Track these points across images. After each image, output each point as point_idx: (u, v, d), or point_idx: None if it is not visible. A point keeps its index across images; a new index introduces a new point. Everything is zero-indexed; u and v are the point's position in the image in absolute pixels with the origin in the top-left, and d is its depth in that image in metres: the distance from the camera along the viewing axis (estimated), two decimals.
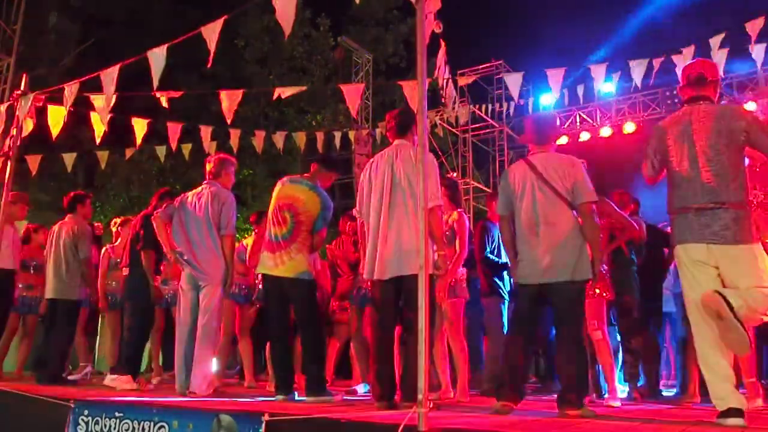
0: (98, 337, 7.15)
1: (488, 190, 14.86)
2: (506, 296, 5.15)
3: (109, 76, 4.27)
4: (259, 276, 5.93)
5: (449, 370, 4.63)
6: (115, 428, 3.02)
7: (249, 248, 5.78)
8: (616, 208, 4.45)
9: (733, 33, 5.36)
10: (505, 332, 4.74)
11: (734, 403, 2.82)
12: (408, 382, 3.34)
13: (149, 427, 2.92)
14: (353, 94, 5.28)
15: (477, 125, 15.00)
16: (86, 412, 3.13)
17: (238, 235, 8.70)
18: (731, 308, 2.73)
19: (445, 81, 5.25)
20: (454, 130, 14.36)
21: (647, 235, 4.97)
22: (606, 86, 7.60)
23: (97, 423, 3.08)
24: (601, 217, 4.29)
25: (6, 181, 4.65)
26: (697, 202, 2.99)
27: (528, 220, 3.46)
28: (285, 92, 5.51)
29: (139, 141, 5.78)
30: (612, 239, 4.57)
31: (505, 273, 5.12)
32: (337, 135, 8.28)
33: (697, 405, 4.42)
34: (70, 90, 4.58)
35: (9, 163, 4.69)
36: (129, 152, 7.43)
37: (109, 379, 4.68)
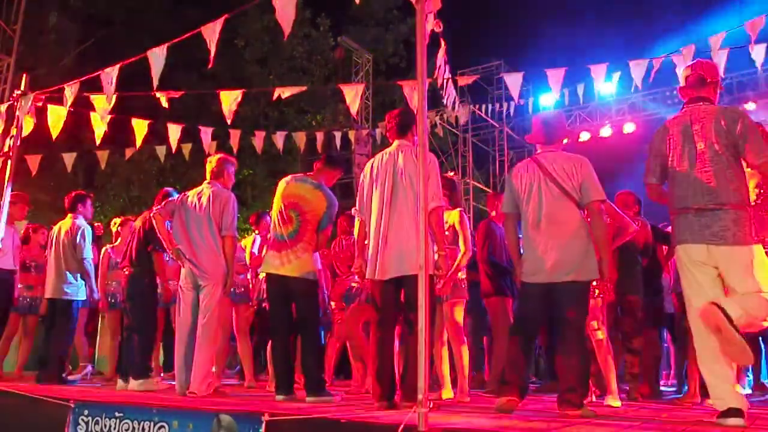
0: (98, 337, 7.15)
1: (488, 190, 14.87)
2: (512, 295, 5.15)
3: (109, 76, 4.28)
4: (257, 276, 5.98)
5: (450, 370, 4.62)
6: (115, 428, 3.02)
7: (248, 248, 5.78)
8: (616, 208, 4.44)
9: (733, 33, 5.35)
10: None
11: (734, 403, 2.82)
12: (408, 382, 3.34)
13: (149, 427, 2.93)
14: (353, 94, 5.28)
15: (477, 125, 15.01)
16: (86, 412, 3.13)
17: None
18: (730, 320, 2.72)
19: (445, 81, 5.25)
20: (454, 130, 14.36)
21: (651, 233, 4.98)
22: (606, 87, 7.60)
23: (97, 423, 3.08)
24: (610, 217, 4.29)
25: (6, 181, 4.65)
26: (697, 203, 3.00)
27: (534, 218, 3.45)
28: (285, 92, 5.51)
29: (139, 141, 5.78)
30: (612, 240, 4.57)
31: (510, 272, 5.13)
32: (337, 135, 8.29)
33: (697, 405, 4.42)
34: (70, 90, 4.58)
35: (9, 163, 4.69)
36: (129, 152, 7.43)
37: (137, 384, 4.64)
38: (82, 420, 3.13)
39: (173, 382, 4.52)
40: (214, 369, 4.65)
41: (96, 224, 6.92)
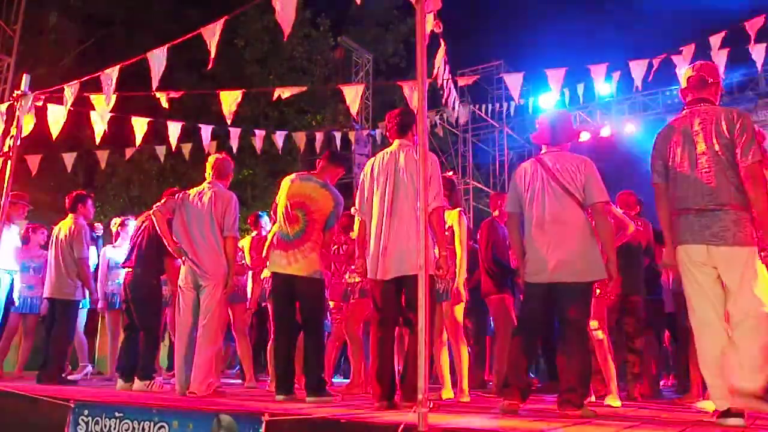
0: (98, 337, 7.15)
1: (488, 190, 14.88)
2: (513, 293, 5.15)
3: (109, 76, 4.28)
4: (258, 276, 5.97)
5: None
6: (115, 428, 3.02)
7: (246, 249, 5.77)
8: (615, 208, 4.45)
9: (733, 33, 5.35)
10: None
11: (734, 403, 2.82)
12: (408, 382, 3.34)
13: (149, 427, 2.92)
14: (353, 94, 5.28)
15: (477, 125, 15.02)
16: (86, 412, 3.13)
17: None
18: (757, 396, 2.72)
19: (445, 81, 5.25)
20: (454, 130, 14.37)
21: (646, 235, 4.98)
22: (604, 88, 7.60)
23: (97, 423, 3.08)
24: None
25: (6, 181, 4.64)
26: (698, 204, 3.00)
27: (537, 218, 3.45)
28: (285, 92, 5.51)
29: (139, 141, 5.78)
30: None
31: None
32: (337, 135, 8.29)
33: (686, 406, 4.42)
34: (70, 90, 4.58)
35: (9, 163, 4.69)
36: (129, 152, 7.43)
37: (142, 385, 4.63)
38: (82, 420, 3.12)
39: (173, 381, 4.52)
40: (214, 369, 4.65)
41: (96, 224, 6.91)
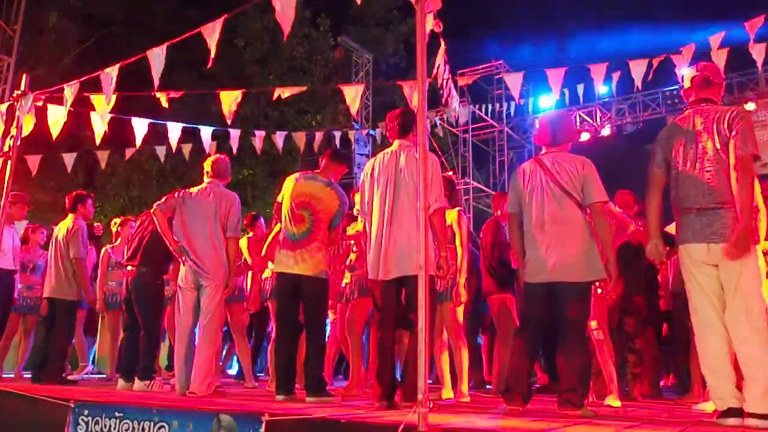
0: (98, 337, 7.15)
1: (488, 190, 14.88)
2: (514, 293, 5.15)
3: (109, 76, 4.27)
4: (258, 276, 5.96)
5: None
6: (115, 428, 3.02)
7: (244, 249, 5.77)
8: (614, 207, 4.44)
9: (733, 33, 5.35)
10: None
11: (734, 403, 2.82)
12: (408, 382, 3.34)
13: (149, 427, 2.92)
14: (353, 94, 5.28)
15: (477, 125, 15.03)
16: (86, 412, 3.13)
17: None
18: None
19: (444, 81, 5.25)
20: (454, 130, 14.38)
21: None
22: (604, 88, 7.62)
23: (97, 423, 3.08)
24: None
25: (6, 181, 4.64)
26: (699, 203, 3.00)
27: (536, 218, 3.46)
28: (285, 92, 5.51)
29: (139, 141, 5.77)
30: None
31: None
32: (337, 135, 8.29)
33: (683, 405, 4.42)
34: (70, 90, 4.58)
35: (9, 163, 4.69)
36: (129, 152, 7.44)
37: (142, 385, 4.62)
38: (82, 420, 3.12)
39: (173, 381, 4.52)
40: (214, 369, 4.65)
41: (96, 224, 6.91)
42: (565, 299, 3.34)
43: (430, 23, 3.66)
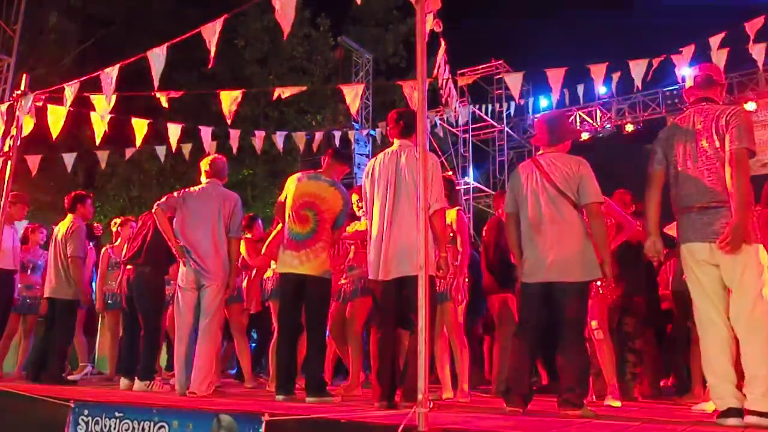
0: (98, 337, 7.15)
1: (488, 190, 14.89)
2: (514, 292, 5.15)
3: (109, 76, 4.27)
4: (260, 277, 5.95)
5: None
6: (115, 428, 3.02)
7: (243, 249, 5.76)
8: (615, 206, 4.44)
9: (733, 33, 5.35)
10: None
11: (734, 403, 2.82)
12: (408, 382, 3.34)
13: (149, 427, 2.92)
14: (353, 94, 5.28)
15: (477, 125, 15.03)
16: (86, 412, 3.13)
17: None
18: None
19: (444, 81, 5.25)
20: (454, 130, 14.38)
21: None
22: (605, 87, 7.61)
23: (97, 423, 3.08)
24: (606, 216, 4.29)
25: (6, 181, 4.64)
26: (700, 202, 3.01)
27: (533, 218, 3.47)
28: (285, 92, 5.51)
29: (139, 141, 5.77)
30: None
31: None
32: (337, 135, 8.29)
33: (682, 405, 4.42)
34: (70, 90, 4.58)
35: (9, 163, 4.69)
36: (129, 152, 7.44)
37: (142, 385, 4.62)
38: (82, 420, 3.12)
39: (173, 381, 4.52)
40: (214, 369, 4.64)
41: (95, 224, 6.91)
42: (562, 299, 3.35)
43: (430, 23, 3.66)
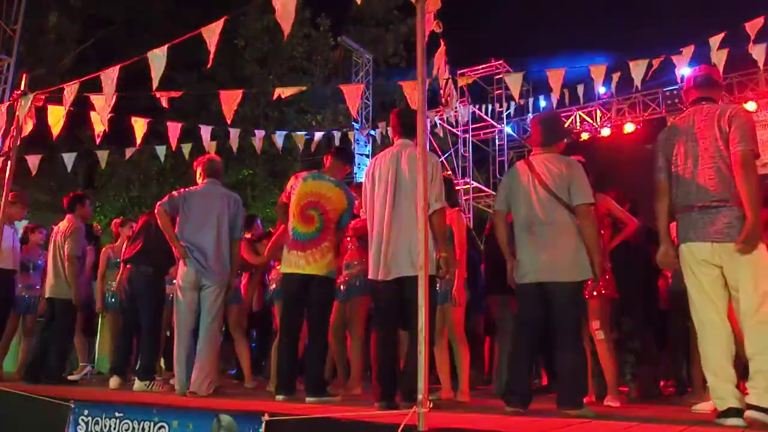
0: (98, 337, 7.15)
1: (488, 190, 14.88)
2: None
3: (109, 76, 4.27)
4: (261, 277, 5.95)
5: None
6: (115, 428, 3.03)
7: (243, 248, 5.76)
8: (616, 204, 4.44)
9: (733, 33, 5.35)
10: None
11: (734, 403, 2.82)
12: (408, 382, 3.34)
13: (149, 427, 2.93)
14: (353, 94, 5.27)
15: (477, 125, 15.02)
16: (86, 412, 3.14)
17: None
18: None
19: (444, 81, 5.25)
20: (454, 130, 14.38)
21: (645, 234, 4.96)
22: (605, 87, 7.61)
23: (97, 423, 3.08)
24: (603, 215, 4.29)
25: (6, 181, 4.65)
26: (701, 201, 3.00)
27: (525, 219, 3.48)
28: (285, 92, 5.50)
29: (139, 141, 5.77)
30: (613, 237, 4.55)
31: None
32: (337, 135, 8.29)
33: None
34: (70, 90, 4.58)
35: (9, 163, 4.69)
36: (129, 152, 7.44)
37: (142, 386, 4.62)
38: (82, 420, 3.13)
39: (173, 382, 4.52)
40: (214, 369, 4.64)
41: (95, 224, 6.91)
42: (556, 299, 3.36)
43: (430, 23, 3.66)
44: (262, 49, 16.33)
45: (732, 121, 2.99)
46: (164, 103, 5.03)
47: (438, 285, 4.20)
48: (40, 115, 4.95)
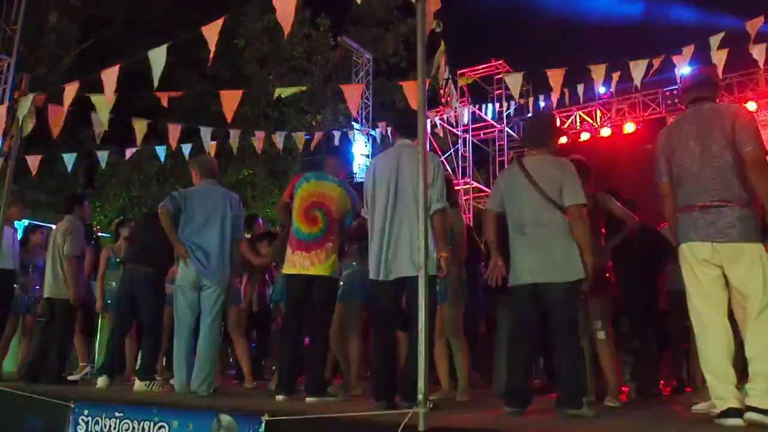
0: (98, 337, 7.15)
1: (488, 190, 14.87)
2: None
3: (109, 76, 4.27)
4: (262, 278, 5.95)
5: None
6: (115, 428, 3.03)
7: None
8: (617, 202, 4.42)
9: (733, 32, 5.35)
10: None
11: (734, 403, 2.82)
12: (407, 382, 3.34)
13: (149, 427, 2.93)
14: (353, 94, 5.28)
15: (477, 125, 15.02)
16: (86, 412, 3.14)
17: None
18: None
19: (445, 81, 5.26)
20: (454, 130, 14.38)
21: (644, 234, 4.96)
22: (605, 87, 7.61)
23: (97, 423, 3.08)
24: (601, 213, 4.28)
25: (6, 181, 4.65)
26: (703, 200, 3.00)
27: (517, 221, 3.49)
28: (285, 92, 5.52)
29: (139, 141, 5.77)
30: (612, 236, 4.53)
31: None
32: (337, 135, 8.29)
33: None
34: (70, 90, 4.58)
35: (9, 163, 4.69)
36: (129, 152, 7.44)
37: (142, 386, 4.63)
38: (82, 420, 3.13)
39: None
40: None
41: (94, 224, 6.91)
42: (551, 300, 3.36)
43: (430, 23, 3.66)
44: (262, 49, 16.33)
45: (736, 121, 2.99)
46: (164, 103, 5.03)
47: (438, 285, 4.20)
48: (40, 115, 4.95)
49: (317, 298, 4.03)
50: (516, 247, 3.48)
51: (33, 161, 6.13)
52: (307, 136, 8.05)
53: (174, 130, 6.13)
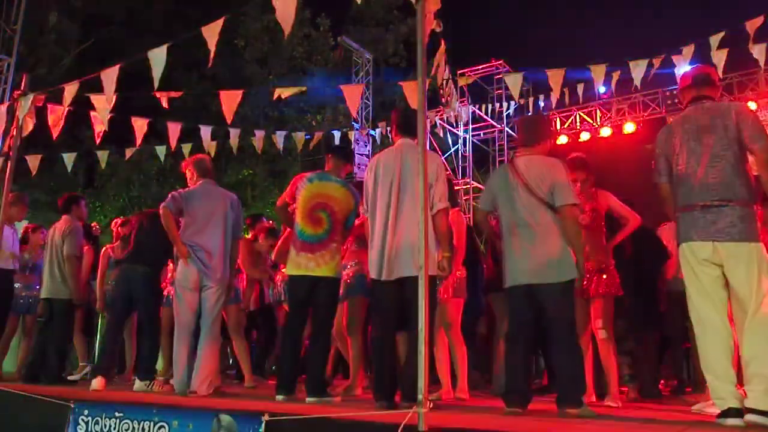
0: (98, 337, 7.14)
1: None
2: None
3: (109, 76, 4.27)
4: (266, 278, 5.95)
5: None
6: (115, 428, 3.03)
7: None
8: (618, 201, 4.41)
9: (733, 32, 5.35)
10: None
11: (734, 403, 2.82)
12: (407, 382, 3.34)
13: (149, 427, 2.93)
14: (353, 94, 5.27)
15: (477, 125, 15.02)
16: (86, 412, 3.14)
17: None
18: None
19: (445, 81, 5.25)
20: (454, 130, 14.37)
21: (643, 234, 4.96)
22: (606, 87, 7.62)
23: (97, 423, 3.08)
24: (601, 212, 4.28)
25: (6, 181, 4.65)
26: (703, 200, 2.99)
27: (509, 221, 3.49)
28: (285, 92, 5.51)
29: (139, 141, 5.77)
30: (612, 235, 4.53)
31: None
32: (337, 135, 8.29)
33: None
34: (70, 90, 4.58)
35: (9, 163, 4.69)
36: (129, 152, 7.43)
37: (142, 385, 4.64)
38: (82, 420, 3.13)
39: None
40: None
41: (93, 224, 6.90)
42: (546, 300, 3.36)
43: (430, 23, 3.66)
44: (262, 49, 16.33)
45: (740, 119, 2.98)
46: (164, 103, 5.03)
47: (439, 285, 4.20)
48: (40, 115, 4.95)
49: (321, 299, 4.03)
50: (509, 248, 3.48)
51: (33, 161, 6.13)
52: (307, 136, 8.06)
53: (174, 130, 6.13)
